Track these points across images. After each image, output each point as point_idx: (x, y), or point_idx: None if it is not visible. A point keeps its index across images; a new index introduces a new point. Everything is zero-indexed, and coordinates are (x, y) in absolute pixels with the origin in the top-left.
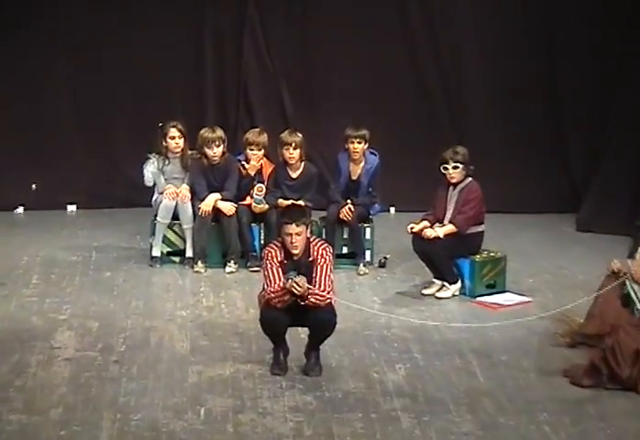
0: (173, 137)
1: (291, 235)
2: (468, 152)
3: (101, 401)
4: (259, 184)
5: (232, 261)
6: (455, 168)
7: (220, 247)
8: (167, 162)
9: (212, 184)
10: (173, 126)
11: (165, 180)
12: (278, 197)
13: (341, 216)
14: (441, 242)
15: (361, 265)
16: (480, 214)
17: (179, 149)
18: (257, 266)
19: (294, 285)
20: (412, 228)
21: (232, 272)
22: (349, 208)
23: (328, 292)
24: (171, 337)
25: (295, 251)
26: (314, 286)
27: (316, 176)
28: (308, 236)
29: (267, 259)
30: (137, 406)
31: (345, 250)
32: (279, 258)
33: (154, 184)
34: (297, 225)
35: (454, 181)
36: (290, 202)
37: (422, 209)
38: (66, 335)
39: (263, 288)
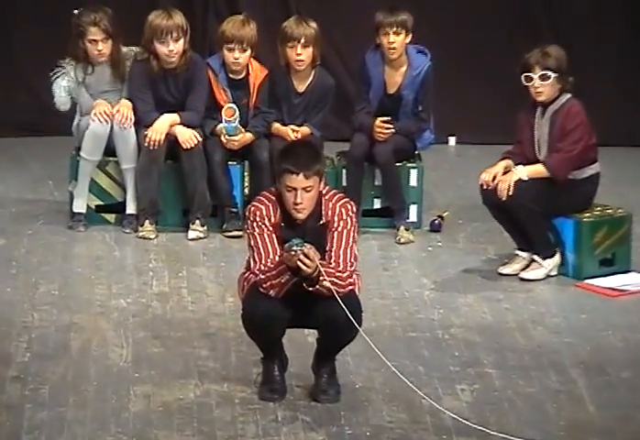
0: (94, 42)
1: (294, 191)
2: (565, 56)
3: None
4: (229, 105)
5: (198, 222)
6: (543, 78)
7: (180, 200)
8: (90, 70)
9: (165, 101)
10: (94, 25)
11: (90, 95)
12: (273, 120)
13: (379, 137)
14: (528, 193)
15: (402, 228)
16: (588, 150)
17: (103, 58)
18: (237, 230)
19: (301, 260)
20: (486, 181)
21: (198, 238)
22: (384, 122)
23: (350, 273)
24: (103, 341)
25: (300, 215)
26: (329, 263)
27: (333, 90)
28: (320, 188)
29: (254, 221)
30: None
31: (377, 205)
32: (273, 220)
33: (74, 105)
34: (306, 177)
35: (541, 98)
36: (292, 129)
37: (499, 141)
38: None
39: (248, 265)
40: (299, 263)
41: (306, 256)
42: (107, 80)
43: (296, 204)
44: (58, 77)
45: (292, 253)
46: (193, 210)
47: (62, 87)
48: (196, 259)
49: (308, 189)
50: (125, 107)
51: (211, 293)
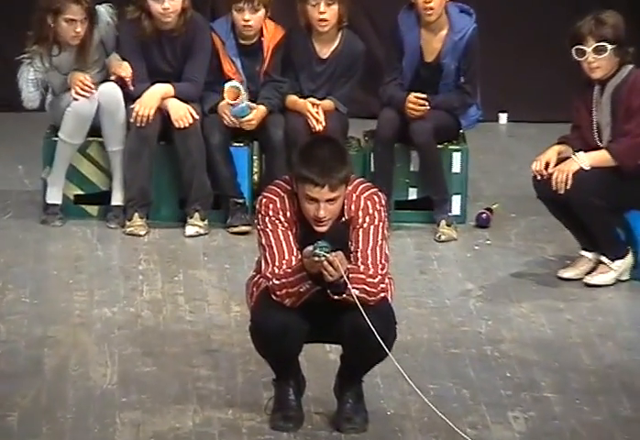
0: (72, 22)
1: (316, 203)
2: (623, 23)
3: None
4: (230, 84)
5: (197, 215)
6: (598, 51)
7: (175, 189)
8: (56, 52)
9: (159, 69)
10: (76, 1)
11: (64, 75)
12: (286, 91)
13: (411, 114)
14: (590, 184)
15: (443, 223)
16: None
17: (77, 41)
18: (244, 224)
19: (325, 268)
20: (538, 171)
21: (197, 235)
22: (418, 98)
23: (382, 278)
24: (84, 358)
25: (321, 229)
26: (356, 266)
27: (363, 57)
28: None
29: (266, 215)
30: None
31: (412, 195)
32: (288, 215)
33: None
34: (332, 188)
35: (597, 75)
36: (311, 102)
37: (560, 119)
38: None
39: (258, 268)
40: (323, 271)
41: (330, 263)
42: (72, 64)
43: (318, 219)
44: (23, 71)
45: (316, 259)
46: (190, 201)
47: (29, 81)
48: (195, 260)
49: (334, 200)
50: (123, 68)
51: (213, 301)
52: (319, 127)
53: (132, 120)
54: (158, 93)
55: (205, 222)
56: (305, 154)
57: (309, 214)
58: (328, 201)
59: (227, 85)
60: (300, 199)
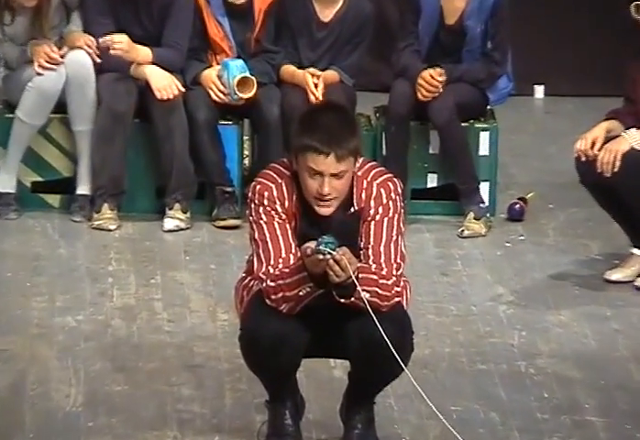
0: None
1: (320, 177)
2: None
3: None
4: (242, 76)
5: (178, 206)
6: None
7: (152, 176)
8: (8, 20)
9: (132, 34)
10: None
11: (21, 46)
12: (279, 63)
13: (421, 96)
14: None
15: (471, 216)
16: None
17: (33, 2)
18: (233, 217)
19: (331, 267)
20: (583, 151)
21: (178, 230)
22: (433, 74)
23: (397, 279)
24: (44, 375)
25: (325, 211)
26: (367, 265)
27: (372, 20)
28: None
29: (260, 205)
30: None
31: (432, 182)
32: (287, 204)
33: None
34: (338, 159)
35: None
36: (311, 73)
37: (605, 92)
38: None
39: (250, 268)
40: (328, 271)
41: (337, 262)
42: (29, 31)
43: (322, 196)
44: None
45: (320, 257)
46: (170, 189)
47: None
48: (175, 260)
49: (340, 174)
50: (84, 40)
51: (196, 308)
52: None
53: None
54: (135, 57)
55: (188, 214)
56: (307, 121)
57: (311, 192)
58: (334, 176)
59: (239, 76)
60: (301, 176)
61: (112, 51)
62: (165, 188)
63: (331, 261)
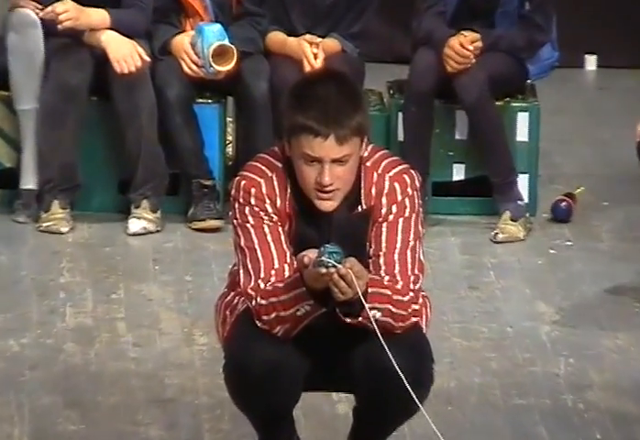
0: None
1: (319, 164)
2: None
3: None
4: (219, 44)
5: (145, 204)
6: None
7: (114, 166)
8: None
9: None
10: None
11: None
12: (266, 29)
13: (449, 68)
14: None
15: (507, 215)
16: None
17: None
18: (214, 218)
19: (335, 282)
20: None
21: (146, 233)
22: (464, 41)
23: (414, 295)
24: None
25: (326, 205)
26: (378, 278)
27: None
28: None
29: (246, 204)
30: None
31: (459, 175)
32: (279, 203)
33: None
34: (340, 140)
35: None
36: (308, 41)
37: None
38: None
39: (234, 281)
40: (331, 287)
41: (342, 277)
42: None
43: (322, 187)
44: None
45: (323, 271)
46: (136, 183)
47: None
48: (142, 270)
49: (343, 160)
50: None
51: (168, 329)
52: None
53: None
54: (86, 20)
55: (157, 214)
56: (300, 95)
57: (309, 184)
58: (335, 161)
59: (215, 44)
60: (296, 165)
61: (60, 26)
62: (129, 181)
63: (335, 276)
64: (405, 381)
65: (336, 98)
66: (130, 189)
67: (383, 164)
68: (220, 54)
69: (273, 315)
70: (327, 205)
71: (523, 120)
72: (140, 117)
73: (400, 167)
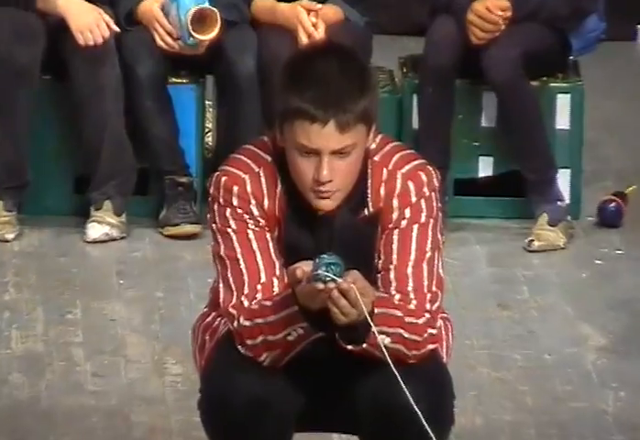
0: None
1: (316, 156)
2: None
3: None
4: (199, 7)
5: (108, 205)
6: None
7: (70, 159)
8: None
9: None
10: None
11: None
12: None
13: (474, 39)
14: None
15: (544, 219)
16: None
17: None
18: (191, 222)
19: (335, 301)
20: None
21: (108, 240)
22: (491, 6)
23: (431, 316)
24: None
25: (325, 204)
26: (386, 296)
27: None
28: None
29: (227, 206)
30: None
31: (485, 169)
32: (267, 204)
33: None
34: (342, 128)
35: None
36: (305, 6)
37: None
38: None
39: (215, 298)
40: (330, 306)
41: (344, 294)
42: None
43: (320, 184)
44: None
45: (320, 286)
46: (97, 180)
47: None
48: (104, 284)
49: (345, 151)
50: None
51: (135, 356)
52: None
53: None
54: None
55: (122, 217)
56: (295, 72)
57: (304, 180)
58: (336, 153)
59: (192, 5)
60: (289, 156)
61: None
62: (89, 178)
63: (335, 293)
64: (423, 420)
65: (338, 77)
66: (89, 187)
67: (395, 158)
68: (200, 20)
69: (259, 340)
70: (325, 204)
71: (563, 104)
72: (104, 100)
73: (415, 162)
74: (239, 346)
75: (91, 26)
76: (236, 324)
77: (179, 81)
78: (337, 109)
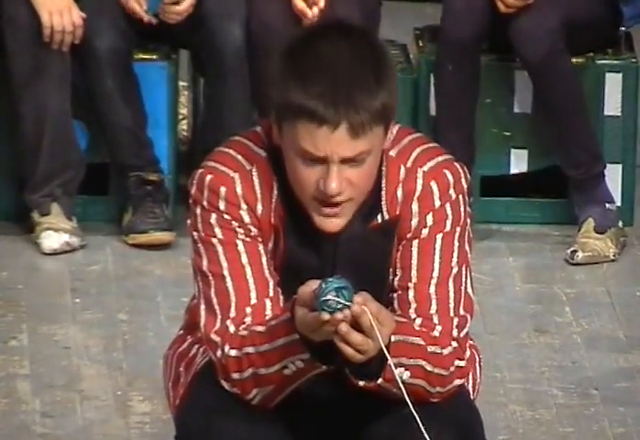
0: None
1: (323, 165)
2: None
3: None
4: None
5: (55, 208)
6: None
7: (11, 157)
8: None
9: None
10: None
11: None
12: None
13: (502, 6)
14: None
15: (589, 225)
16: None
17: None
18: (162, 229)
19: (342, 335)
20: None
21: (60, 252)
22: None
23: (460, 345)
24: None
25: (332, 224)
26: (405, 321)
27: None
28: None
29: (212, 210)
30: None
31: (518, 165)
32: (260, 210)
33: None
34: (355, 131)
35: None
36: None
37: None
38: None
39: (190, 321)
40: (339, 344)
41: (356, 322)
42: None
43: (327, 198)
44: None
45: (326, 317)
46: (38, 178)
47: None
48: (56, 304)
49: (358, 159)
50: None
51: (94, 392)
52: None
53: None
54: None
55: (74, 222)
56: (297, 58)
57: (307, 192)
58: (347, 161)
59: None
60: (288, 161)
61: None
62: (34, 175)
63: (344, 328)
64: None
65: (350, 65)
66: (28, 188)
67: (415, 154)
68: None
69: (248, 373)
70: (331, 225)
71: (613, 85)
72: (49, 80)
73: (439, 158)
74: (223, 381)
75: (61, 9)
76: (219, 353)
77: (147, 57)
78: (350, 108)
